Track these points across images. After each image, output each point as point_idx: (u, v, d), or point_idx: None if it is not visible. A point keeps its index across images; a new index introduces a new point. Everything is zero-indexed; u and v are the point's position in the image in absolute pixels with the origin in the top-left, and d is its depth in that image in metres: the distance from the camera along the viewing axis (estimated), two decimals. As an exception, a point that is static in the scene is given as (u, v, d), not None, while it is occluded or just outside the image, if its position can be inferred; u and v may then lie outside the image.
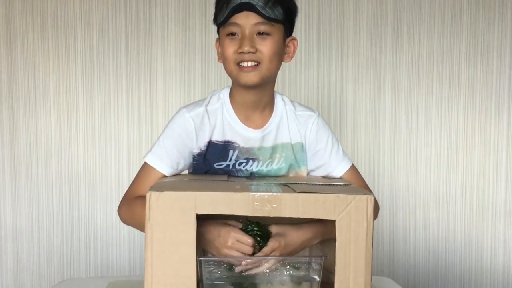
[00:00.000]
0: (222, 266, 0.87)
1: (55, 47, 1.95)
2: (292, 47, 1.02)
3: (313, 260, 0.92)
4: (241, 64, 0.95)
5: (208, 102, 1.04)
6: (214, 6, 1.01)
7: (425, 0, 2.08)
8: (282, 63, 1.03)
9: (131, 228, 2.22)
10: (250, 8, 0.93)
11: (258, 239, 0.87)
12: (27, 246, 1.98)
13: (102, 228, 2.00)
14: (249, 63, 0.95)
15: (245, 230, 0.88)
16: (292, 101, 1.09)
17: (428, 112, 2.12)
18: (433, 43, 2.10)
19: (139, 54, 1.98)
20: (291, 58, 1.03)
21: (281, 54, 0.99)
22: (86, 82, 1.97)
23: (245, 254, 0.86)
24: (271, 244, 0.88)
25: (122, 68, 1.98)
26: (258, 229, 0.88)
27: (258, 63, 0.95)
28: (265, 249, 0.88)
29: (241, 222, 0.89)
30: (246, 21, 0.94)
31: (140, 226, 0.89)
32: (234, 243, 0.86)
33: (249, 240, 0.86)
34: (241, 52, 0.94)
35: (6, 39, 1.93)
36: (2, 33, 1.92)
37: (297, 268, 0.91)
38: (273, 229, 0.90)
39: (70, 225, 1.99)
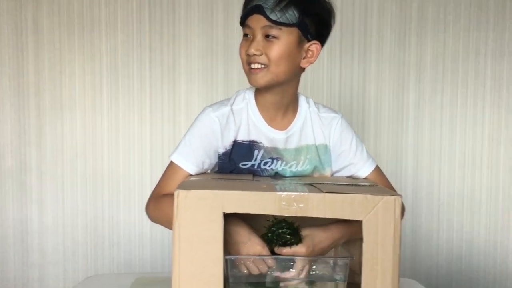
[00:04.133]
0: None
1: (81, 48, 1.99)
2: (313, 52, 1.00)
3: (338, 260, 0.92)
4: (251, 66, 0.97)
5: (233, 102, 1.05)
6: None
7: (450, -2, 2.05)
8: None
9: (153, 225, 2.25)
10: (259, 11, 0.94)
11: (289, 236, 0.87)
12: (52, 242, 2.02)
13: (125, 226, 2.03)
14: (257, 65, 0.96)
15: (274, 229, 0.88)
16: (315, 103, 1.09)
17: (452, 110, 2.09)
18: (458, 40, 2.06)
19: (163, 55, 2.01)
20: (310, 63, 1.01)
21: (293, 58, 0.98)
22: (111, 82, 2.01)
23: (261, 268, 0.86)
24: (302, 250, 0.87)
25: (146, 69, 2.01)
26: (288, 227, 0.88)
27: (266, 66, 0.96)
28: (289, 252, 0.88)
29: (269, 220, 0.89)
30: (256, 24, 0.95)
31: (168, 224, 0.90)
32: (255, 258, 0.86)
33: (270, 261, 0.86)
34: (248, 54, 0.96)
35: (33, 40, 1.98)
36: (29, 34, 1.97)
37: (323, 269, 0.90)
38: (302, 231, 0.90)
39: (94, 223, 2.03)
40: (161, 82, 2.01)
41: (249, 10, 0.96)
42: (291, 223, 0.89)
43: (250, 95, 1.05)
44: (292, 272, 0.87)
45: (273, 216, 0.86)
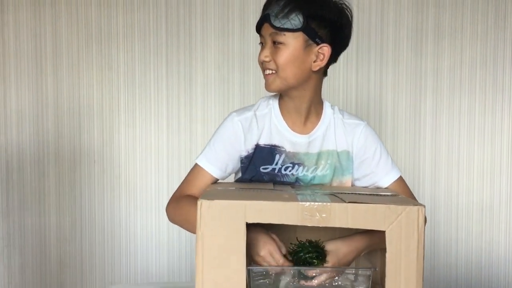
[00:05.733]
0: (271, 276, 0.87)
1: (99, 58, 2.02)
2: (323, 55, 1.00)
3: (360, 271, 0.91)
4: (265, 71, 1.02)
5: (258, 108, 1.07)
6: None
7: (467, 4, 2.04)
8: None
9: (170, 234, 2.25)
10: (266, 19, 0.98)
11: (315, 261, 0.87)
12: (70, 249, 2.04)
13: (142, 234, 2.05)
14: (268, 71, 1.01)
15: (301, 255, 0.88)
16: (341, 110, 1.10)
17: (471, 118, 2.07)
18: (476, 48, 2.05)
19: (179, 65, 2.03)
20: (320, 66, 1.01)
21: (301, 62, 0.98)
22: (128, 92, 2.03)
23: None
24: (327, 269, 0.88)
25: (163, 78, 2.03)
26: (313, 250, 0.88)
27: (275, 71, 0.99)
28: (322, 275, 0.88)
29: (293, 244, 0.90)
30: (266, 31, 1.00)
31: (186, 223, 0.91)
32: (266, 256, 0.87)
33: (280, 260, 0.87)
34: (259, 61, 1.02)
35: (52, 50, 2.01)
36: (48, 45, 2.01)
37: (345, 280, 0.90)
38: (327, 246, 0.90)
39: (111, 231, 2.05)
40: (177, 91, 2.03)
41: (261, 20, 1.00)
42: (315, 245, 0.89)
43: (274, 101, 1.07)
44: (315, 282, 0.87)
45: (296, 239, 0.86)
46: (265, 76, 1.01)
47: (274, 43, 0.98)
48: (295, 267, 0.87)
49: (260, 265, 0.87)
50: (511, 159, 2.07)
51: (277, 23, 0.96)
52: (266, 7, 1.00)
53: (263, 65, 1.01)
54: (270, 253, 0.87)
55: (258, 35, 1.04)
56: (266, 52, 0.99)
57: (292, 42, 0.97)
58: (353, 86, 2.05)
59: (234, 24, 2.02)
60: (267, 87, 1.02)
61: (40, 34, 2.01)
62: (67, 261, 2.04)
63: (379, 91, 2.06)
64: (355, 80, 2.05)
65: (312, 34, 0.97)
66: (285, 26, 0.96)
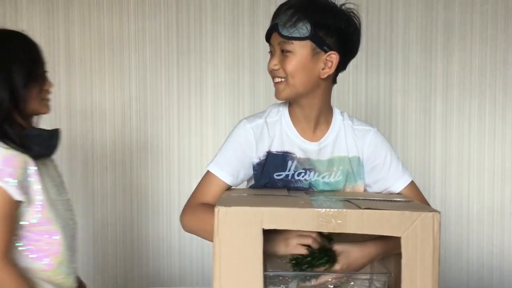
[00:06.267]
0: (288, 281, 0.88)
1: (111, 64, 2.04)
2: (331, 62, 1.00)
3: (374, 277, 0.91)
4: (274, 79, 1.03)
5: (268, 115, 1.08)
6: None
7: (477, 8, 2.03)
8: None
9: (182, 239, 2.25)
10: (275, 28, 1.00)
11: (327, 265, 0.88)
12: (82, 255, 2.06)
13: (153, 239, 2.06)
14: (277, 79, 1.02)
15: (312, 259, 0.89)
16: (350, 116, 1.10)
17: (481, 122, 2.06)
18: (486, 51, 2.04)
19: (190, 70, 2.04)
20: (328, 74, 1.01)
21: (309, 70, 1.00)
22: (139, 97, 2.05)
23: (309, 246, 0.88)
24: (336, 269, 0.88)
25: (174, 83, 2.05)
26: (325, 254, 0.88)
27: (284, 79, 1.01)
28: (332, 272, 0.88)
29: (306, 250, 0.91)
30: (274, 40, 1.02)
31: (204, 233, 0.91)
32: (297, 238, 0.88)
33: (313, 235, 0.88)
34: (269, 70, 1.03)
35: (65, 57, 2.04)
36: (61, 52, 2.04)
37: (361, 285, 0.90)
38: (336, 247, 0.90)
39: (123, 236, 2.06)
40: (188, 95, 2.05)
41: (270, 29, 1.02)
42: (325, 249, 0.90)
43: (284, 108, 1.08)
44: (320, 281, 0.88)
45: (309, 246, 0.88)
46: (275, 84, 1.03)
47: (283, 51, 1.00)
48: (306, 273, 0.88)
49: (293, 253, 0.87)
50: (522, 162, 2.06)
51: (285, 32, 0.98)
52: (275, 16, 1.02)
53: (272, 73, 1.03)
54: (300, 234, 0.88)
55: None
56: (275, 60, 1.01)
57: (300, 51, 0.98)
58: (362, 91, 2.06)
59: (244, 26, 2.03)
60: (277, 95, 1.04)
61: (53, 42, 2.03)
62: (79, 265, 2.05)
63: (388, 95, 2.06)
64: (364, 85, 2.06)
65: (319, 42, 0.98)
66: (293, 35, 0.97)
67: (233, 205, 0.80)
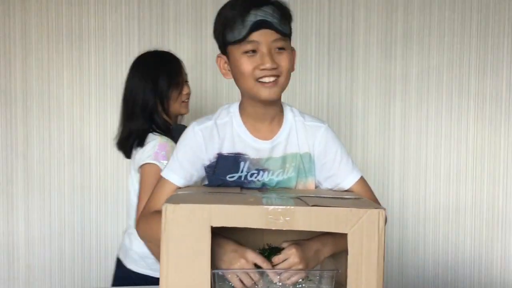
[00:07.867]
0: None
1: (69, 59, 1.99)
2: (293, 58, 1.04)
3: (325, 273, 0.93)
4: (261, 80, 0.97)
5: (218, 116, 1.06)
6: (218, 24, 1.00)
7: (435, 12, 2.10)
8: None
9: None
10: (268, 25, 0.96)
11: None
12: (38, 255, 2.00)
13: (113, 237, 2.02)
14: (271, 79, 0.97)
15: (267, 254, 0.90)
16: (301, 113, 1.10)
17: (438, 123, 2.13)
18: (442, 54, 2.11)
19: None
20: (293, 69, 1.05)
21: (292, 67, 1.03)
22: (99, 93, 2.01)
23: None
24: (291, 249, 0.89)
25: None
26: (273, 253, 0.90)
27: (277, 78, 0.98)
28: (280, 257, 0.89)
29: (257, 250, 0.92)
30: (264, 38, 0.96)
31: (158, 242, 0.89)
32: (234, 258, 0.88)
33: (257, 275, 0.88)
34: (263, 69, 0.96)
35: (21, 51, 1.97)
36: (18, 46, 1.97)
37: (310, 281, 0.91)
38: (285, 244, 0.92)
39: (82, 235, 2.02)
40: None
41: (255, 26, 0.95)
42: (276, 248, 0.92)
43: (234, 109, 1.06)
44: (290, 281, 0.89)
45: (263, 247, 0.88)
46: (264, 84, 0.97)
47: (277, 49, 0.97)
48: (260, 270, 0.88)
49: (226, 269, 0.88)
50: (476, 164, 2.14)
51: (282, 29, 0.96)
52: (245, 13, 0.95)
53: (262, 73, 0.96)
54: (253, 259, 0.88)
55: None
56: (272, 59, 0.95)
57: (289, 47, 0.99)
58: (324, 92, 2.09)
59: (207, 25, 2.02)
60: (268, 95, 0.97)
61: (9, 34, 1.97)
62: (36, 265, 2.00)
63: (349, 96, 2.10)
64: (326, 86, 2.09)
65: (290, 39, 1.01)
66: (286, 31, 0.98)
67: (181, 203, 0.80)
